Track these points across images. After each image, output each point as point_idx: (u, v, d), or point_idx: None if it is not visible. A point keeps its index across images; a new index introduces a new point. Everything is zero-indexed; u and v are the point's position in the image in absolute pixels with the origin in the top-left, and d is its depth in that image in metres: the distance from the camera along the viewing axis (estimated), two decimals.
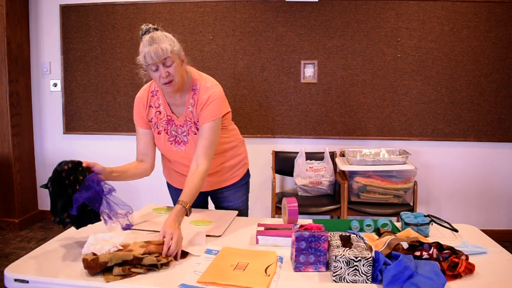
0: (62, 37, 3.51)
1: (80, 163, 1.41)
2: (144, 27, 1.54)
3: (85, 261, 1.18)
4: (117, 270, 1.17)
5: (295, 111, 3.33)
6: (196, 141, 1.66)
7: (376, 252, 1.20)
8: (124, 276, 1.17)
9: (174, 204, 1.95)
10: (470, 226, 1.65)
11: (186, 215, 1.46)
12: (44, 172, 3.74)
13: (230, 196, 1.90)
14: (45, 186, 1.36)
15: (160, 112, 1.69)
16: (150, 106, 1.70)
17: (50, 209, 1.36)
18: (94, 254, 1.19)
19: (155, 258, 1.18)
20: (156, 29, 1.54)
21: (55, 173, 1.35)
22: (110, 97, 3.51)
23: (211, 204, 2.00)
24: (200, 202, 1.92)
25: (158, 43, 1.47)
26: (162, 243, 1.28)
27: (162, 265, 1.22)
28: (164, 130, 1.70)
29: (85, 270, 1.18)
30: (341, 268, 1.16)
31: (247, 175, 1.97)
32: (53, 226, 3.54)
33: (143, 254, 1.21)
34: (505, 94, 3.18)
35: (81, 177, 1.39)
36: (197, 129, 1.66)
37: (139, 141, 1.75)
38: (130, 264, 1.19)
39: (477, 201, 3.34)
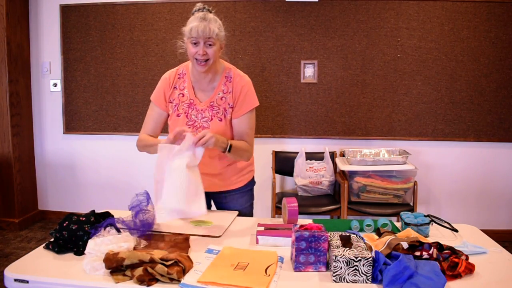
0: (62, 37, 3.51)
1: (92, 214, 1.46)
2: (199, 5, 1.61)
3: (107, 254, 1.20)
4: (138, 270, 1.16)
5: (295, 111, 3.33)
6: (219, 127, 1.67)
7: (376, 252, 1.20)
8: (137, 280, 1.16)
9: None
10: (470, 226, 1.65)
11: (225, 151, 1.59)
12: (44, 172, 3.74)
13: (233, 202, 1.87)
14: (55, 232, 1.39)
15: (183, 95, 1.70)
16: (174, 87, 1.72)
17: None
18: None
19: (166, 270, 1.15)
20: (210, 11, 1.61)
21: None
22: (110, 97, 3.51)
23: (213, 208, 1.98)
24: None
25: (208, 22, 1.54)
26: (183, 253, 1.29)
27: (170, 278, 1.17)
28: (185, 113, 1.70)
29: (103, 262, 1.19)
30: (341, 268, 1.16)
31: (252, 182, 1.93)
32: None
33: (161, 258, 1.19)
34: (505, 94, 3.18)
35: (93, 218, 1.43)
36: (224, 116, 1.67)
37: (152, 120, 1.75)
38: (145, 263, 1.18)
39: (477, 201, 3.34)
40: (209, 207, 1.98)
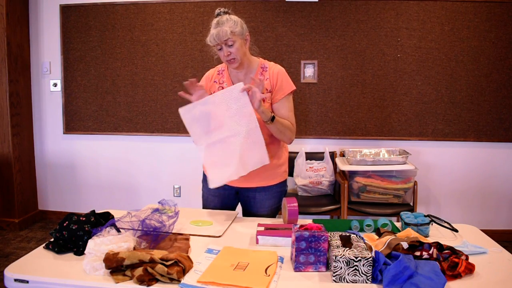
0: (62, 37, 3.51)
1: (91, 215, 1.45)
2: (216, 11, 1.71)
3: (107, 254, 1.20)
4: (138, 270, 1.16)
5: (295, 111, 3.31)
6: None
7: (376, 252, 1.20)
8: (137, 281, 1.16)
9: (204, 204, 1.94)
10: (470, 226, 1.65)
11: (268, 121, 1.65)
12: (44, 172, 3.74)
13: (262, 202, 1.83)
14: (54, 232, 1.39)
15: (222, 88, 1.80)
16: (214, 82, 1.84)
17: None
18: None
19: (167, 270, 1.15)
20: (226, 13, 1.70)
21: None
22: (110, 97, 3.51)
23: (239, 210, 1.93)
24: (227, 197, 1.88)
25: (221, 26, 1.64)
26: (183, 253, 1.28)
27: (170, 278, 1.17)
28: None
29: (103, 262, 1.19)
30: (341, 268, 1.16)
31: (285, 184, 1.91)
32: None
33: (161, 258, 1.19)
34: (505, 94, 3.18)
35: (93, 218, 1.42)
36: (264, 101, 1.72)
37: None
38: (145, 263, 1.18)
39: (477, 201, 3.34)
40: (234, 203, 1.92)
